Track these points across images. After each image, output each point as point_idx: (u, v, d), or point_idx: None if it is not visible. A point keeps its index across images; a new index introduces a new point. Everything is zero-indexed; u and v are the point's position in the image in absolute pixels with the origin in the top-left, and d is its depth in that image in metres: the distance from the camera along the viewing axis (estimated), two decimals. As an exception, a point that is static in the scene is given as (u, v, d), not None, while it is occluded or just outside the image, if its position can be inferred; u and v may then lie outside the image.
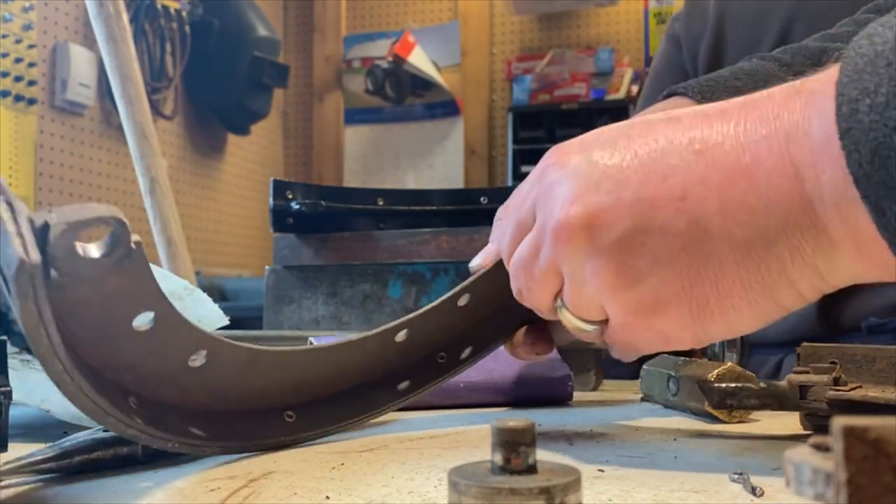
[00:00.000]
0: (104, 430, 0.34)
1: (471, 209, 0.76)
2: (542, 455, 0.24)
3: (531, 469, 0.23)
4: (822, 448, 0.18)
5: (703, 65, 0.99)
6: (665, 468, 0.34)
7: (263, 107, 2.79)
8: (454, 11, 3.33)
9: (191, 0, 2.46)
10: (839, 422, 0.16)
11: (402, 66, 3.19)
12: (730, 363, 0.45)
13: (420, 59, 3.20)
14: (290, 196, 0.74)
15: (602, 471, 0.34)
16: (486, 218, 0.75)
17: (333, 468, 0.35)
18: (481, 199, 0.77)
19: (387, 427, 0.47)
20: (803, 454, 0.18)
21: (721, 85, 0.59)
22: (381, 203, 0.77)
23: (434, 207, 0.77)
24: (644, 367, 0.55)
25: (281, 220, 0.73)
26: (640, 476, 0.33)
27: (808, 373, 0.42)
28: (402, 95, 3.26)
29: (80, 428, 0.42)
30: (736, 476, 0.31)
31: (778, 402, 0.42)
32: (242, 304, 1.80)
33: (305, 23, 3.38)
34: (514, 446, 0.23)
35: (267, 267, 0.77)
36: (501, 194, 0.76)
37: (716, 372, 0.45)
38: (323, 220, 0.75)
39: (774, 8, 0.96)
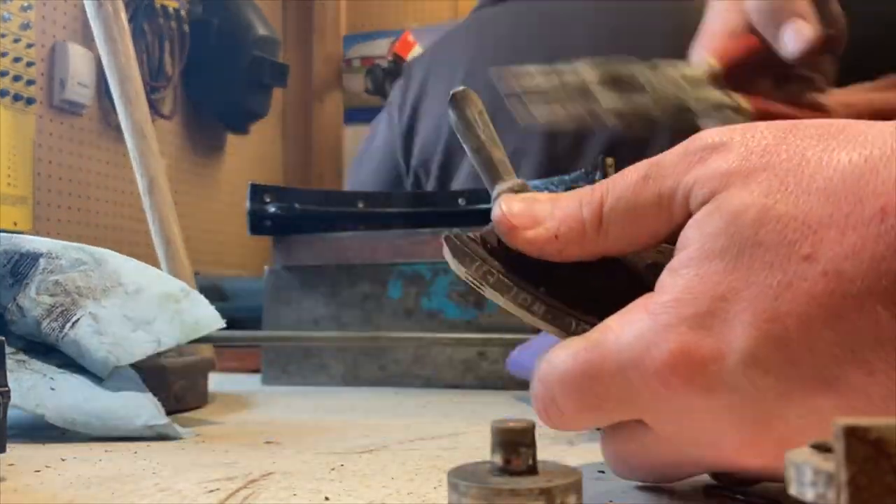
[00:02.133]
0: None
1: (450, 211, 0.76)
2: (543, 456, 0.24)
3: (531, 470, 0.23)
4: (824, 449, 0.17)
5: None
6: (666, 469, 0.34)
7: (263, 106, 2.79)
8: (454, 11, 3.33)
9: (190, 0, 2.46)
10: (840, 422, 0.16)
11: (402, 65, 3.19)
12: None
13: (419, 59, 3.20)
14: (268, 199, 0.75)
15: (602, 472, 0.33)
16: (465, 219, 0.75)
17: (333, 469, 0.35)
18: (459, 200, 0.77)
19: (386, 428, 0.47)
20: (804, 455, 0.18)
21: None
22: (361, 205, 0.78)
23: (412, 209, 0.78)
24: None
25: (258, 222, 0.75)
26: (641, 477, 0.33)
27: None
28: (402, 95, 3.26)
29: (76, 431, 0.42)
30: (712, 490, 0.30)
31: None
32: (242, 304, 1.80)
33: (305, 22, 3.38)
34: (515, 447, 0.23)
35: (266, 267, 0.77)
36: (479, 195, 0.76)
37: None
38: (300, 222, 0.76)
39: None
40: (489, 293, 0.29)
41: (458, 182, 1.00)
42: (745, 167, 0.25)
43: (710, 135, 0.27)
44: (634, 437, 0.27)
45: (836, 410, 0.23)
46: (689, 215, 0.26)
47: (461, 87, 0.35)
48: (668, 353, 0.24)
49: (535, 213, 0.29)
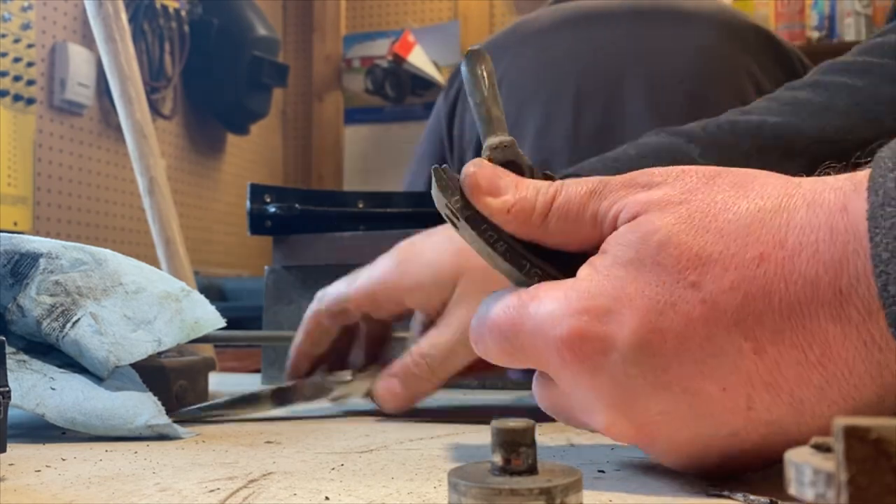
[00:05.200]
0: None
1: None
2: (543, 456, 0.24)
3: (531, 470, 0.23)
4: (823, 448, 0.17)
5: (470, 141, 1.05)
6: (667, 469, 0.34)
7: (263, 106, 2.79)
8: (454, 11, 3.32)
9: (190, 0, 2.46)
10: (840, 422, 0.16)
11: (402, 65, 3.19)
12: None
13: (420, 59, 3.20)
14: (268, 199, 0.75)
15: (602, 471, 0.33)
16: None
17: (333, 469, 0.35)
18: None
19: (386, 428, 0.47)
20: (804, 455, 0.18)
21: (629, 166, 0.55)
22: (361, 206, 0.78)
23: (412, 210, 0.78)
24: None
25: (258, 222, 0.75)
26: (641, 476, 0.33)
27: None
28: (402, 95, 3.26)
29: (76, 431, 0.42)
30: (713, 490, 0.30)
31: None
32: (242, 304, 1.80)
33: (305, 22, 3.38)
34: (515, 447, 0.23)
35: (266, 267, 0.77)
36: None
37: None
38: (300, 222, 0.76)
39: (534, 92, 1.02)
40: (461, 226, 0.33)
41: None
42: (666, 199, 0.30)
43: (654, 171, 0.31)
44: (548, 385, 0.33)
45: (690, 414, 0.28)
46: (615, 230, 0.31)
47: (476, 46, 0.39)
48: (567, 332, 0.29)
49: (499, 184, 0.33)
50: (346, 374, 0.53)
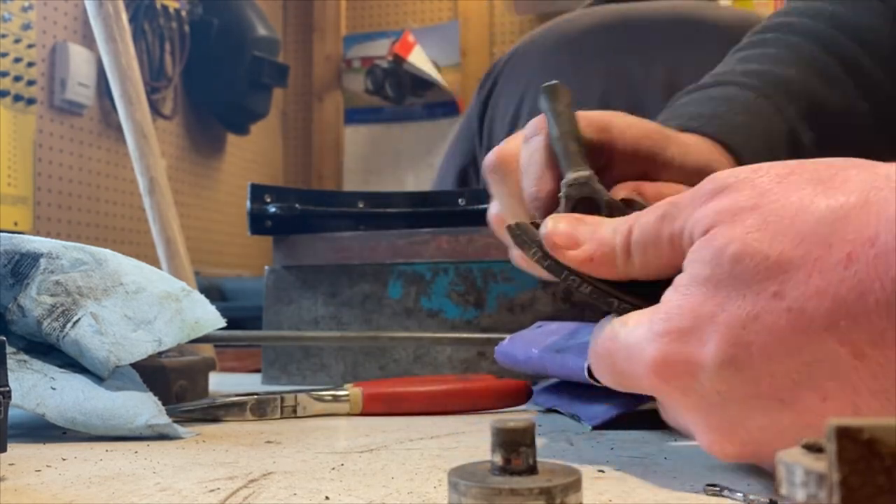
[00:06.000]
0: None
1: (450, 211, 0.77)
2: (543, 455, 0.24)
3: (531, 469, 0.23)
4: (815, 449, 0.17)
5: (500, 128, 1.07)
6: (665, 468, 0.34)
7: (263, 106, 2.79)
8: (454, 11, 3.32)
9: (190, 0, 2.46)
10: (832, 422, 0.16)
11: (402, 65, 3.19)
12: None
13: (420, 59, 3.20)
14: (268, 199, 0.75)
15: (602, 471, 0.34)
16: (465, 219, 0.75)
17: (333, 469, 0.35)
18: (459, 200, 0.77)
19: (386, 428, 0.47)
20: (795, 455, 0.17)
21: (733, 123, 0.52)
22: (361, 206, 0.78)
23: (412, 209, 0.78)
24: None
25: (259, 222, 0.75)
26: (641, 476, 0.33)
27: None
28: (402, 95, 3.26)
29: (76, 431, 0.42)
30: (711, 488, 0.30)
31: None
32: (242, 304, 1.80)
33: (305, 22, 3.37)
34: (515, 447, 0.23)
35: (267, 267, 0.77)
36: (478, 196, 0.77)
37: None
38: (300, 222, 0.76)
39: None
40: (545, 275, 0.35)
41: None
42: (736, 207, 0.28)
43: (721, 176, 0.30)
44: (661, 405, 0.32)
45: (793, 426, 0.27)
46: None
47: (554, 82, 0.40)
48: (652, 357, 0.29)
49: (577, 234, 0.34)
50: None
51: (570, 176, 0.37)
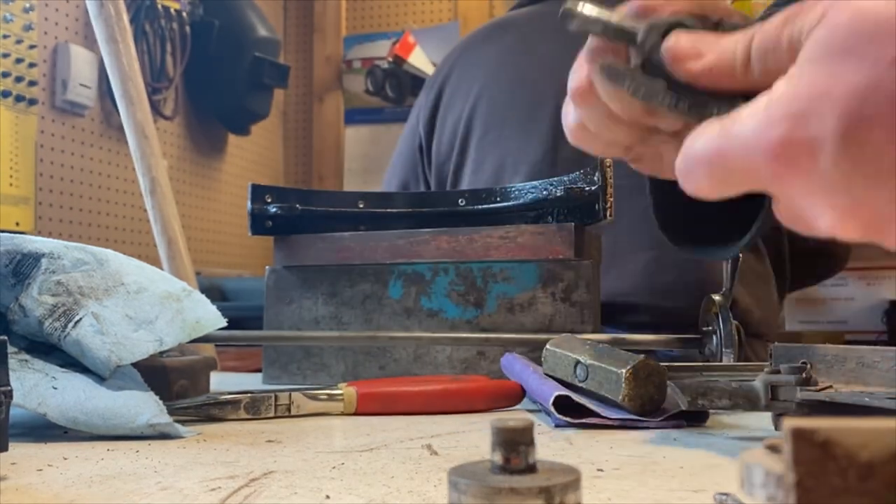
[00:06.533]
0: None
1: (450, 211, 0.77)
2: (542, 455, 0.24)
3: (531, 468, 0.23)
4: (777, 450, 0.17)
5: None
6: (664, 468, 0.34)
7: (263, 107, 2.79)
8: (454, 12, 3.33)
9: (191, 0, 2.46)
10: (788, 423, 0.16)
11: (403, 66, 3.19)
12: (643, 356, 0.46)
13: (420, 60, 3.20)
14: (269, 200, 0.76)
15: (601, 470, 0.34)
16: (465, 219, 0.75)
17: (334, 468, 0.35)
18: (459, 200, 0.77)
19: (387, 427, 0.47)
20: (757, 455, 0.18)
21: None
22: (361, 206, 0.78)
23: (412, 209, 0.78)
24: (547, 347, 0.56)
25: (259, 223, 0.75)
26: (640, 476, 0.33)
27: (778, 372, 0.41)
28: (403, 96, 3.26)
29: (78, 430, 0.42)
30: (721, 496, 0.30)
31: (749, 402, 0.41)
32: (243, 304, 1.80)
33: (305, 23, 3.38)
34: (514, 446, 0.23)
35: (267, 267, 0.77)
36: (478, 196, 0.77)
37: (631, 366, 0.45)
38: (301, 222, 0.76)
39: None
40: (640, 94, 0.35)
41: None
42: None
43: None
44: (774, 202, 0.31)
45: None
46: None
47: (566, 5, 0.37)
48: (770, 144, 0.28)
49: (699, 45, 0.33)
50: None
51: (660, 20, 0.35)
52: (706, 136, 0.31)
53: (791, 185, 0.29)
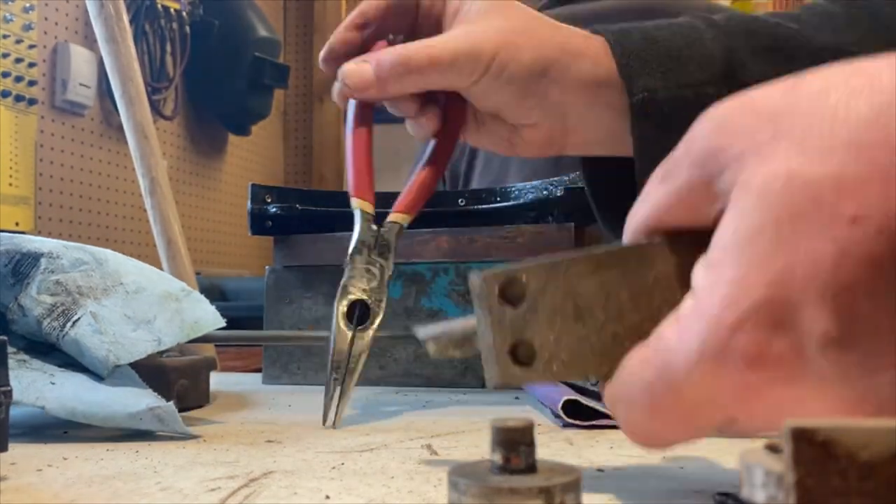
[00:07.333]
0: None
1: (449, 211, 0.77)
2: (542, 455, 0.24)
3: (531, 468, 0.23)
4: (777, 450, 0.17)
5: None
6: (665, 468, 0.34)
7: (264, 107, 2.79)
8: (454, 12, 3.32)
9: (191, 0, 2.46)
10: (789, 423, 0.16)
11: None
12: None
13: (420, 60, 3.20)
14: (269, 200, 0.76)
15: (602, 470, 0.34)
16: (465, 219, 0.75)
17: (333, 468, 0.35)
18: (459, 200, 0.77)
19: (387, 427, 0.47)
20: (757, 455, 0.17)
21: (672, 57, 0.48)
22: None
23: None
24: None
25: (259, 223, 0.75)
26: (640, 476, 0.33)
27: None
28: (403, 96, 3.26)
29: (78, 424, 0.42)
30: (720, 497, 0.30)
31: None
32: (243, 304, 1.80)
33: (305, 23, 3.38)
34: (514, 446, 0.23)
35: (267, 267, 0.77)
36: (478, 196, 0.76)
37: None
38: (301, 222, 0.76)
39: None
40: None
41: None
42: (755, 143, 0.22)
43: (710, 115, 0.24)
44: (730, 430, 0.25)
45: None
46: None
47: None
48: (742, 360, 0.22)
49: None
50: None
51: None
52: (632, 374, 0.25)
53: (770, 399, 0.22)
